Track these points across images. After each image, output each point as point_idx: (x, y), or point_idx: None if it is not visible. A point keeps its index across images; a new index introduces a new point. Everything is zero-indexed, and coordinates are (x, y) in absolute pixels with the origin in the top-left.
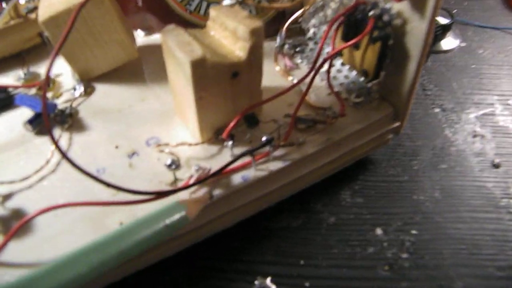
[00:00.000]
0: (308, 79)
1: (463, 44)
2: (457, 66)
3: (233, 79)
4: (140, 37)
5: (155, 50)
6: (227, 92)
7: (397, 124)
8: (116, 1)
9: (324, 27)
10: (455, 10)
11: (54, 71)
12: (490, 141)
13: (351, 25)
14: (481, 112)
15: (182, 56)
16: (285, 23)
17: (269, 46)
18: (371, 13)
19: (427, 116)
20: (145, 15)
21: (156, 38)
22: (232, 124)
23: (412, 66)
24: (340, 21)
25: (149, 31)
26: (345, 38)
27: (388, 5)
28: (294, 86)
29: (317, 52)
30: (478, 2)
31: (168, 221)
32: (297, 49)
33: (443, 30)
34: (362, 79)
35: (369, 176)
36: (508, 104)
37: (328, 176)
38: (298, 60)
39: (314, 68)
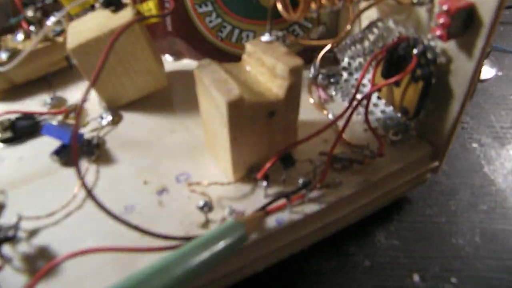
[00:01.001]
0: (344, 116)
1: (500, 73)
2: (495, 97)
3: (269, 118)
4: (168, 62)
5: (184, 77)
6: (263, 131)
7: (435, 164)
8: (146, 28)
9: (360, 58)
10: None
11: (80, 97)
12: None
13: (392, 61)
14: None
15: (218, 96)
16: (319, 52)
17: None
18: (415, 51)
19: (464, 151)
20: (173, 39)
21: (185, 63)
22: (268, 165)
23: (455, 106)
24: (380, 57)
25: (177, 56)
26: (385, 74)
27: (432, 43)
28: (331, 124)
29: (355, 89)
30: None
31: (228, 241)
32: (331, 80)
33: None
34: (399, 115)
35: (405, 216)
36: None
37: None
38: (332, 91)
39: (352, 106)
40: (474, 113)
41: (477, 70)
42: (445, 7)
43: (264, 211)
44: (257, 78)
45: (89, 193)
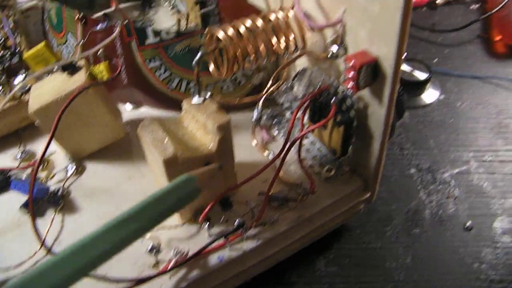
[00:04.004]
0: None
1: (442, 97)
2: (435, 122)
3: None
4: (128, 111)
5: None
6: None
7: (367, 195)
8: (103, 85)
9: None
10: (436, 59)
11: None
12: (464, 201)
13: (316, 108)
14: (456, 170)
15: (156, 154)
16: (262, 94)
17: (247, 117)
18: (333, 99)
19: (402, 177)
20: (131, 90)
21: (143, 111)
22: (206, 209)
23: (376, 145)
24: (306, 105)
25: (137, 104)
26: (312, 119)
27: (350, 91)
28: (266, 167)
29: (287, 133)
30: (459, 49)
31: (180, 195)
32: (274, 121)
33: (419, 86)
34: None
35: (344, 243)
36: (484, 161)
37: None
38: (275, 131)
39: (284, 149)
40: (414, 139)
41: (389, 114)
42: (351, 63)
43: (217, 166)
44: (194, 133)
45: (49, 251)
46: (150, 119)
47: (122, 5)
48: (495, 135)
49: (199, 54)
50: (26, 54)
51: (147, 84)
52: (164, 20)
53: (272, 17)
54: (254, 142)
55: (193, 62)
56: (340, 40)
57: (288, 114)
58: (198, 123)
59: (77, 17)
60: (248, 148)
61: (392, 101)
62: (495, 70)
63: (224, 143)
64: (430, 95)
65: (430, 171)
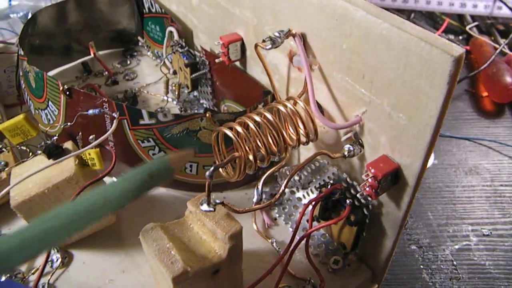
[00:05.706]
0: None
1: (436, 161)
2: (432, 190)
3: (214, 275)
4: None
5: (133, 204)
6: (209, 286)
7: (375, 287)
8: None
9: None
10: None
11: None
12: (468, 283)
13: (328, 206)
14: (457, 246)
15: (163, 270)
16: (264, 172)
17: (246, 196)
18: (348, 201)
19: (404, 255)
20: (120, 164)
21: None
22: None
23: (388, 242)
24: (316, 202)
25: None
26: (322, 216)
27: (367, 196)
28: (273, 267)
29: (295, 228)
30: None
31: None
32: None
33: None
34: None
35: None
36: (483, 235)
37: None
38: (275, 213)
39: (292, 245)
40: (412, 210)
41: (405, 217)
42: (372, 172)
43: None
44: (200, 237)
45: None
46: (152, 225)
47: (101, 52)
48: (491, 205)
49: (212, 168)
50: (2, 126)
51: (140, 162)
52: (147, 72)
53: (281, 108)
54: (255, 227)
55: (206, 175)
56: (355, 138)
57: (288, 193)
58: (205, 227)
59: (61, 88)
60: (249, 234)
61: (411, 205)
62: (485, 131)
63: (235, 249)
64: None
65: (431, 247)
